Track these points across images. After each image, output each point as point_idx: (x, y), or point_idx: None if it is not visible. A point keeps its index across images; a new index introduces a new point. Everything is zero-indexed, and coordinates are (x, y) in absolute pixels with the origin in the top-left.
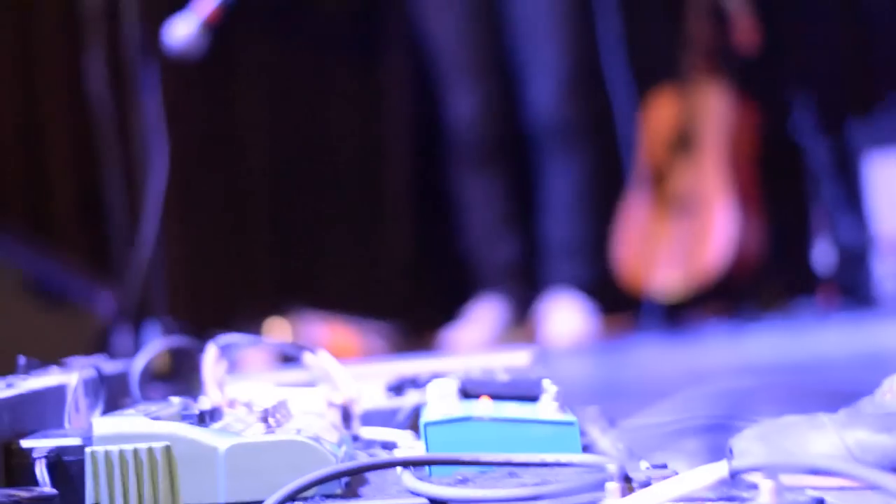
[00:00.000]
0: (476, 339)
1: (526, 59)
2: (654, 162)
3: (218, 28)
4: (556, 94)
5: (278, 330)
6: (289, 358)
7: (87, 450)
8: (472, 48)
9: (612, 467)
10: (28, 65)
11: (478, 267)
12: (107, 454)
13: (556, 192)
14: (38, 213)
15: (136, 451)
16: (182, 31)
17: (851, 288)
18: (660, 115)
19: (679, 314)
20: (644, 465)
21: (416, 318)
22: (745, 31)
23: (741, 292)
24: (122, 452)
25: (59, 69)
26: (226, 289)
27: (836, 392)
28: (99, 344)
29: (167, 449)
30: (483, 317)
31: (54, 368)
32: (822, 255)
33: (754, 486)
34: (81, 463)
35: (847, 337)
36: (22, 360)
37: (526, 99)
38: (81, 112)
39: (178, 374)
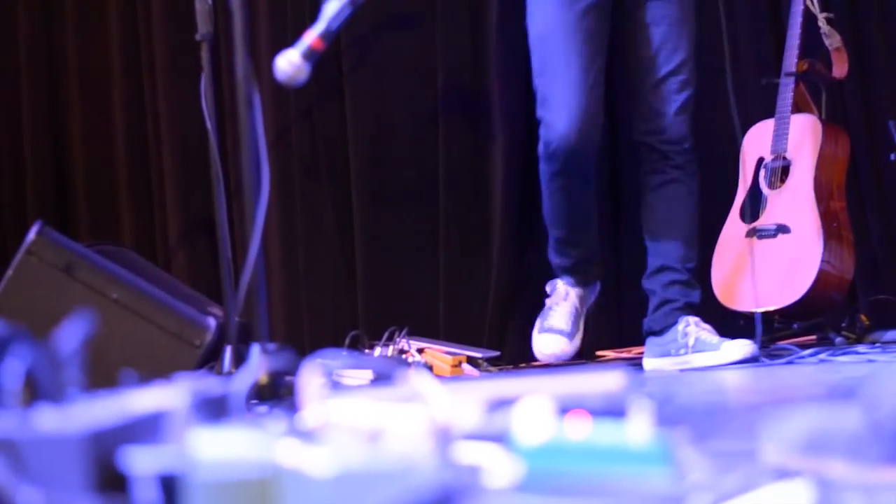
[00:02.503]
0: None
1: (647, 73)
2: (748, 188)
3: (323, 55)
4: (679, 113)
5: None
6: (387, 377)
7: (190, 472)
8: (580, 56)
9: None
10: (138, 95)
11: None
12: (210, 477)
13: (661, 210)
14: (148, 235)
15: (239, 475)
16: (288, 58)
17: None
18: (755, 143)
19: (769, 339)
20: (730, 480)
21: (514, 348)
22: (841, 63)
23: (831, 320)
24: (224, 476)
25: (168, 99)
26: (323, 312)
27: None
28: (201, 363)
29: (272, 474)
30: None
31: (159, 384)
32: None
33: None
34: (183, 482)
35: None
36: (127, 374)
37: (644, 115)
38: (189, 138)
39: (279, 394)
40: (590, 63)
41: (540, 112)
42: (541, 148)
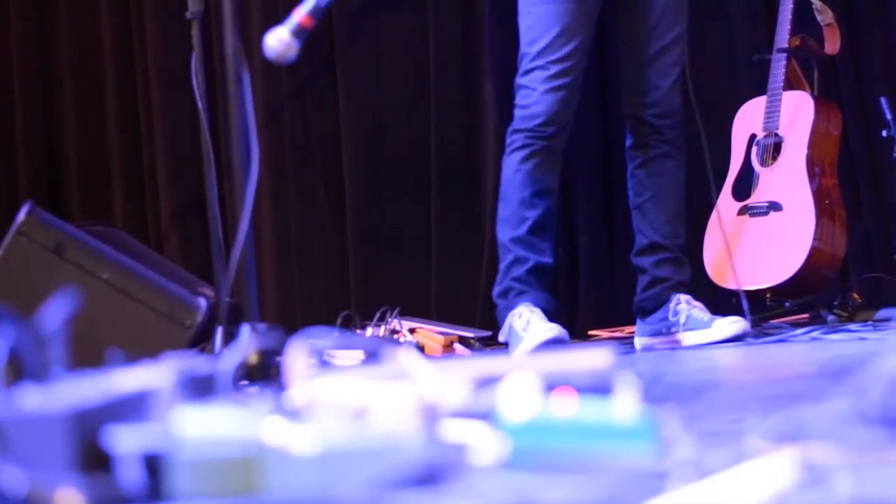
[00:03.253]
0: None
1: (640, 47)
2: (740, 166)
3: (313, 32)
4: (673, 87)
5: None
6: (375, 355)
7: (174, 450)
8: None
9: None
10: (130, 74)
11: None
12: (193, 456)
13: (650, 185)
14: (139, 216)
15: (223, 453)
16: (277, 35)
17: None
18: (747, 120)
19: (760, 318)
20: (715, 456)
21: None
22: (833, 39)
23: (823, 297)
24: (208, 454)
25: (159, 78)
26: (315, 293)
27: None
28: (192, 343)
29: (257, 452)
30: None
31: (146, 364)
32: None
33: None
34: (167, 461)
35: None
36: (113, 354)
37: (638, 88)
38: (180, 118)
39: (267, 374)
40: (578, 32)
41: (521, 80)
42: (518, 118)
